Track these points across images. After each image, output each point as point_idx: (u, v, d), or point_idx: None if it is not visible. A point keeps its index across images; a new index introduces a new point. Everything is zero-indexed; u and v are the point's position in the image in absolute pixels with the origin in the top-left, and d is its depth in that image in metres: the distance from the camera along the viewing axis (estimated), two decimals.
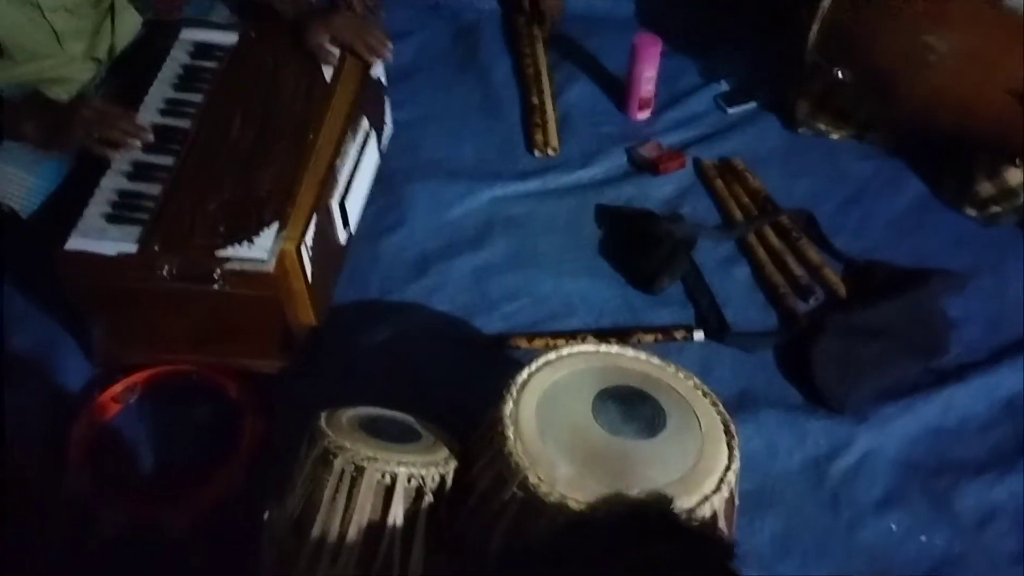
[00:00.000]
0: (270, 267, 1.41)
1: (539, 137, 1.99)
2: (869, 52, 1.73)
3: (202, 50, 1.75)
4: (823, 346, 1.57)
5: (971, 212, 1.83)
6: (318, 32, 1.71)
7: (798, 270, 1.73)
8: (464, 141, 2.01)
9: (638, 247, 1.75)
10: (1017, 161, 1.72)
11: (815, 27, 1.77)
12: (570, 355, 1.29)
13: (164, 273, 1.41)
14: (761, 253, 1.77)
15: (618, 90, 2.08)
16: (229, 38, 1.77)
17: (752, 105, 2.06)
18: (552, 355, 1.28)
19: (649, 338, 1.63)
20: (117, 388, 1.52)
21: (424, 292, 1.73)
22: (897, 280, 1.68)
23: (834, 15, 1.76)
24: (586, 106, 2.09)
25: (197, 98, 1.65)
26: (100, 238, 1.44)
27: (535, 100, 2.07)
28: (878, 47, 1.71)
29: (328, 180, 1.58)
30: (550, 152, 1.98)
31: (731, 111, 2.05)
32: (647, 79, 1.98)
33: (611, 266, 1.78)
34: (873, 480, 1.46)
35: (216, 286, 1.42)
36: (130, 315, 1.52)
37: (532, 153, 1.99)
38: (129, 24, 1.85)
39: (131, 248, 1.42)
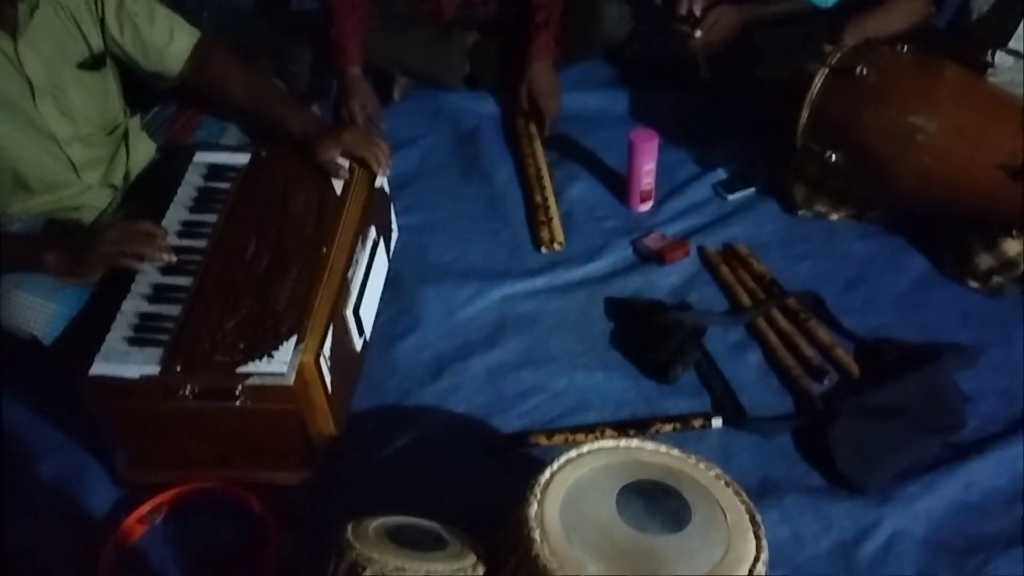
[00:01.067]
0: (290, 380, 1.44)
1: (545, 234, 2.04)
2: (859, 135, 1.78)
3: (215, 172, 1.81)
4: (841, 428, 1.58)
5: (974, 285, 1.85)
6: (328, 148, 1.76)
7: (809, 352, 1.75)
8: (471, 242, 2.06)
9: (649, 338, 1.77)
10: (1014, 232, 1.75)
11: (805, 113, 1.82)
12: (591, 452, 1.30)
13: (186, 393, 1.44)
14: (772, 337, 1.79)
15: (619, 184, 2.13)
16: (241, 159, 1.82)
17: (751, 191, 2.11)
18: (573, 452, 1.29)
19: (668, 428, 1.64)
20: (143, 510, 1.53)
21: (440, 394, 1.75)
22: (908, 357, 1.69)
23: (823, 101, 1.82)
24: (589, 202, 2.14)
25: (212, 218, 1.70)
26: (123, 362, 1.46)
27: (538, 199, 2.12)
28: (867, 130, 1.77)
29: (342, 291, 1.61)
30: (556, 247, 2.02)
31: (731, 198, 2.10)
32: (646, 172, 2.04)
33: (624, 358, 1.80)
34: (902, 562, 1.44)
35: (238, 402, 1.44)
36: (154, 436, 1.53)
37: (539, 250, 2.03)
38: (143, 150, 1.92)
39: (153, 370, 1.45)
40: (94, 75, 1.77)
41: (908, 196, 1.82)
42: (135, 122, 1.92)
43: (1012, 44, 1.86)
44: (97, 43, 1.76)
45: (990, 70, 1.89)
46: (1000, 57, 1.88)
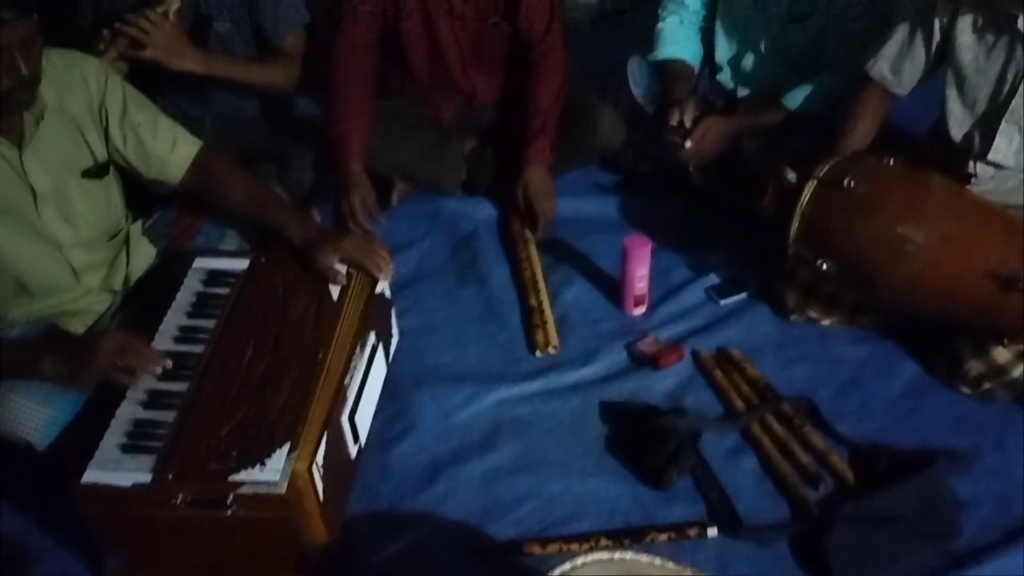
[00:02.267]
0: (282, 489, 1.44)
1: (540, 337, 2.05)
2: (848, 244, 1.81)
3: (214, 277, 1.83)
4: (838, 537, 1.57)
5: (965, 390, 1.86)
6: (327, 254, 1.78)
7: (805, 458, 1.74)
8: (468, 345, 2.07)
9: (645, 443, 1.77)
10: (1005, 341, 1.77)
11: (796, 223, 1.86)
12: (585, 564, 1.29)
13: (178, 502, 1.43)
14: (767, 442, 1.79)
15: (613, 288, 2.16)
16: (240, 264, 1.84)
17: (743, 296, 2.13)
18: (567, 566, 1.28)
19: (663, 537, 1.63)
20: None
21: (435, 499, 1.74)
22: (903, 463, 1.69)
23: (812, 209, 1.85)
24: (583, 305, 2.16)
25: (210, 324, 1.72)
26: (115, 469, 1.47)
27: (533, 302, 2.14)
28: (857, 239, 1.79)
29: (338, 397, 1.62)
30: (551, 351, 2.04)
31: (724, 303, 2.12)
32: (640, 277, 2.07)
33: (619, 463, 1.79)
34: None
35: (229, 512, 1.43)
36: (147, 543, 1.52)
37: (534, 353, 2.04)
38: (144, 255, 1.94)
39: (146, 478, 1.45)
40: (97, 183, 1.81)
41: (899, 303, 1.85)
42: (136, 227, 1.95)
43: (991, 156, 1.91)
44: (101, 152, 1.81)
45: (973, 180, 1.94)
46: (982, 168, 1.93)
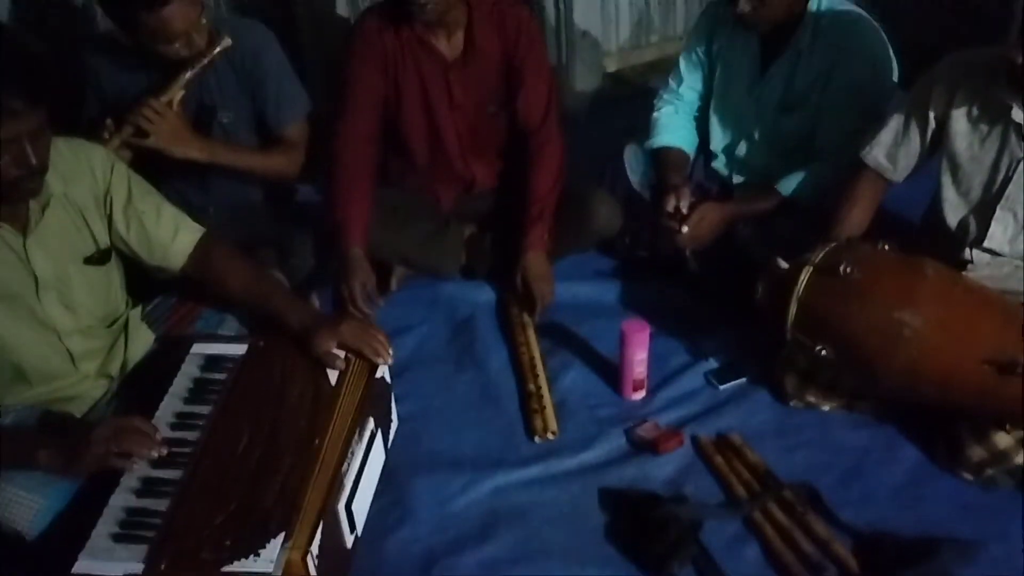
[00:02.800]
0: None
1: (538, 423, 2.04)
2: (846, 330, 1.81)
3: (212, 363, 1.82)
4: None
5: (968, 477, 1.84)
6: (325, 339, 1.79)
7: (808, 547, 1.71)
8: (465, 431, 2.06)
9: (645, 532, 1.74)
10: (1006, 427, 1.76)
11: (793, 309, 1.86)
12: None
13: None
14: (769, 530, 1.77)
15: (611, 373, 2.16)
16: (238, 350, 1.84)
17: (742, 381, 2.13)
18: None
19: None
20: None
21: None
22: (907, 552, 1.67)
23: (809, 296, 1.86)
24: (582, 390, 2.16)
25: (206, 410, 1.71)
26: (107, 559, 1.44)
27: (532, 387, 2.14)
28: (855, 325, 1.80)
29: (335, 485, 1.60)
30: (550, 436, 2.02)
31: (723, 388, 2.12)
32: (639, 362, 2.07)
33: (619, 552, 1.76)
34: None
35: None
36: None
37: (532, 439, 2.03)
38: (142, 341, 1.94)
39: (137, 568, 1.43)
40: (99, 270, 1.82)
41: (898, 389, 1.84)
42: (136, 313, 1.95)
43: (987, 244, 1.93)
44: (103, 239, 1.82)
45: (969, 267, 1.95)
46: (978, 255, 1.95)
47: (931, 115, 1.93)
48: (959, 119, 1.89)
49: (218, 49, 2.16)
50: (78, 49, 2.37)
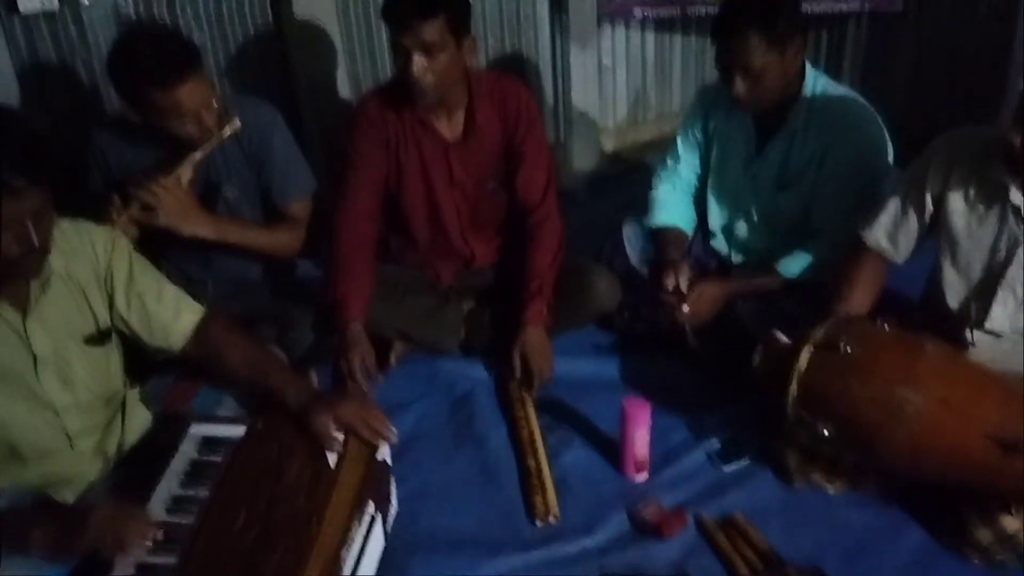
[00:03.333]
0: None
1: (539, 504, 2.01)
2: (847, 407, 1.80)
3: (209, 444, 1.81)
4: None
5: (975, 558, 1.81)
6: (324, 419, 1.77)
7: None
8: (464, 512, 2.02)
9: None
10: (1013, 510, 1.73)
11: (793, 386, 1.85)
12: None
13: None
14: None
15: (612, 450, 2.13)
16: (236, 431, 1.82)
17: (745, 460, 2.10)
18: None
19: None
20: None
21: None
22: None
23: (810, 373, 1.85)
24: (583, 468, 2.13)
25: (203, 493, 1.68)
26: None
27: (531, 463, 2.11)
28: (856, 402, 1.78)
29: (332, 570, 1.56)
30: (551, 520, 1.98)
31: (726, 467, 2.09)
32: (640, 440, 2.04)
33: None
34: None
35: None
36: None
37: (533, 522, 1.99)
38: (139, 420, 1.93)
39: None
40: (98, 349, 1.81)
41: (901, 467, 1.82)
42: (133, 393, 1.94)
43: (988, 325, 1.93)
44: (104, 318, 1.82)
45: (971, 347, 1.95)
46: (979, 336, 1.94)
47: (928, 195, 1.95)
48: (956, 199, 1.91)
49: (228, 132, 2.20)
50: (85, 127, 2.41)
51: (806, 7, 3.40)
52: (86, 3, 2.72)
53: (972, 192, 1.89)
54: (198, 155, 2.19)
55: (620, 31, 3.80)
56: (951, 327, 1.97)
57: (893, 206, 2.01)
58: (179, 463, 1.77)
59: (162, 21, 2.84)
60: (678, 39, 3.91)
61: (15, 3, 2.57)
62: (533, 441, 2.17)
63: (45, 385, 1.73)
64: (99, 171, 2.33)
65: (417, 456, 2.18)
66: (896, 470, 1.86)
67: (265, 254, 2.43)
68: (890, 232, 2.03)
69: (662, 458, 2.13)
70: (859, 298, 2.05)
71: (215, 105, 2.17)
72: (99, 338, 1.81)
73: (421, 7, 2.15)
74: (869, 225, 2.05)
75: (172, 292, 1.89)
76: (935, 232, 1.99)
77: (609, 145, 3.95)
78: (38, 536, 1.54)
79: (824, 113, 2.22)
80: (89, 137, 2.33)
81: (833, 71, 3.49)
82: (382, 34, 3.14)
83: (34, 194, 1.53)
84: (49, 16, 2.67)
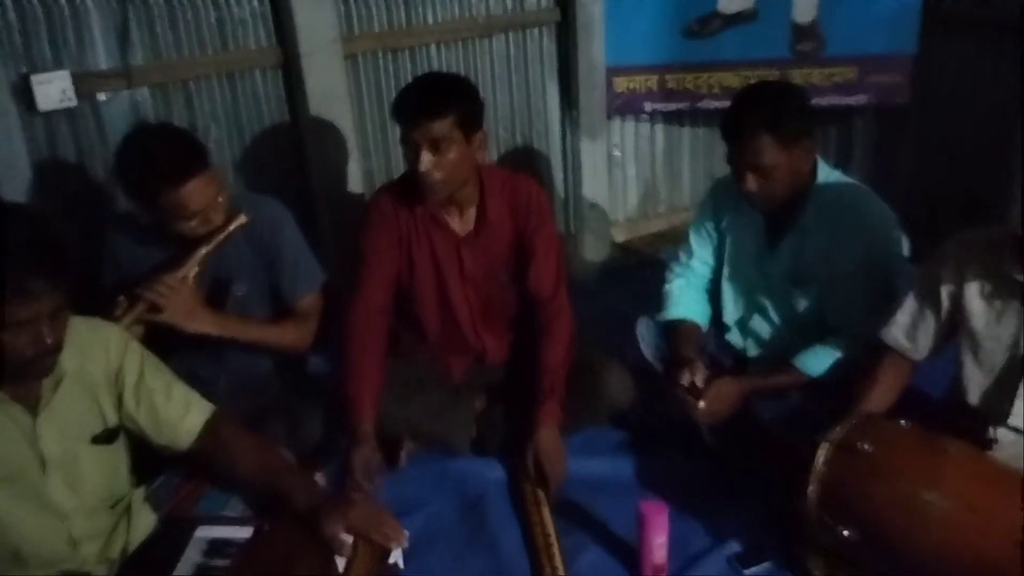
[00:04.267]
0: None
1: None
2: (871, 511, 1.75)
3: (215, 548, 1.77)
4: None
5: None
6: (333, 522, 1.73)
7: None
8: None
9: None
10: None
11: (812, 486, 1.81)
12: None
13: None
14: None
15: (629, 555, 2.07)
16: (243, 533, 1.79)
17: (767, 565, 2.04)
18: None
19: None
20: None
21: None
22: None
23: (830, 474, 1.81)
24: (599, 575, 2.06)
25: None
26: None
27: (548, 571, 2.05)
28: (879, 506, 1.74)
29: None
30: None
31: (747, 572, 2.03)
32: (659, 545, 1.98)
33: None
34: None
35: None
36: None
37: None
38: (144, 523, 1.88)
39: None
40: (106, 448, 1.79)
41: (927, 570, 1.76)
42: (139, 494, 1.90)
43: (1011, 421, 1.89)
44: (112, 417, 1.80)
45: (994, 445, 1.91)
46: (1002, 433, 1.90)
47: (943, 296, 1.94)
48: (973, 299, 1.89)
49: (234, 226, 2.20)
50: (101, 223, 2.42)
51: (814, 101, 3.45)
52: (103, 99, 2.77)
53: (988, 290, 1.87)
54: (204, 251, 2.19)
55: (630, 124, 3.85)
56: (973, 425, 1.93)
57: (910, 306, 2.00)
58: (184, 568, 1.73)
59: (180, 117, 2.88)
60: (687, 132, 3.97)
61: (34, 102, 2.61)
62: (549, 547, 2.11)
63: (51, 488, 1.70)
64: (112, 268, 2.34)
65: (428, 560, 2.12)
66: (922, 574, 1.80)
67: (274, 350, 2.41)
68: (908, 331, 2.01)
69: (681, 563, 2.06)
70: (879, 398, 2.01)
71: (222, 203, 2.18)
72: (107, 437, 1.79)
73: (431, 105, 2.18)
74: (887, 324, 2.03)
75: (182, 391, 1.88)
76: (956, 329, 1.96)
77: (620, 237, 3.97)
78: None
79: (833, 209, 2.23)
80: (103, 234, 2.35)
81: (842, 164, 3.52)
82: (395, 131, 3.18)
83: (51, 297, 1.54)
84: (68, 112, 2.72)
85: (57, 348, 1.61)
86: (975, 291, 1.89)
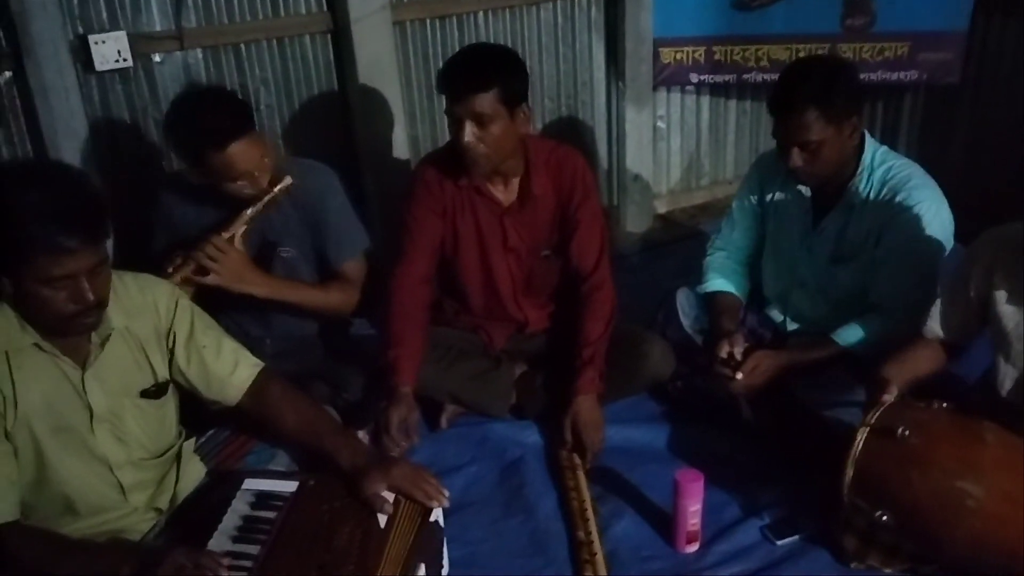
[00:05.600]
0: None
1: (589, 575, 1.98)
2: (907, 497, 1.75)
3: (262, 500, 1.80)
4: None
5: None
6: (375, 481, 1.77)
7: None
8: None
9: None
10: None
11: (849, 471, 1.81)
12: None
13: None
14: None
15: (664, 522, 2.10)
16: (288, 487, 1.82)
17: (800, 537, 2.05)
18: None
19: None
20: None
21: None
22: None
23: (866, 459, 1.81)
24: (634, 540, 2.09)
25: (255, 550, 1.68)
26: None
27: (582, 535, 2.08)
28: (915, 492, 1.74)
29: None
30: None
31: (779, 543, 2.05)
32: (692, 513, 2.01)
33: None
34: None
35: None
36: None
37: None
38: (193, 474, 1.94)
39: None
40: (153, 403, 1.84)
41: (962, 558, 1.76)
42: (189, 445, 1.96)
43: None
44: (163, 373, 1.85)
45: None
46: None
47: (971, 294, 1.94)
48: (1001, 299, 1.89)
49: (279, 187, 2.24)
50: (154, 183, 2.47)
51: (863, 77, 3.41)
52: (157, 60, 2.82)
53: (1017, 288, 1.86)
54: (250, 212, 2.23)
55: (675, 96, 3.83)
56: (1009, 411, 1.91)
57: (944, 297, 2.00)
58: (232, 519, 1.76)
59: (231, 80, 2.92)
60: (733, 105, 3.94)
61: (91, 62, 2.67)
62: (584, 512, 2.14)
63: (100, 440, 1.75)
64: (164, 229, 2.40)
65: (466, 522, 2.16)
66: (958, 561, 1.80)
67: (319, 312, 2.45)
68: (943, 321, 2.01)
69: (714, 531, 2.09)
70: (917, 360, 2.01)
71: (267, 164, 2.22)
72: (155, 392, 1.83)
73: (474, 80, 2.19)
74: (928, 318, 2.03)
75: (231, 347, 1.92)
76: (985, 325, 1.96)
77: (662, 209, 3.97)
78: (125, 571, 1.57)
79: (882, 189, 2.21)
80: (156, 195, 2.40)
81: (889, 142, 3.47)
82: (441, 99, 3.19)
83: (88, 253, 1.57)
84: (123, 73, 2.77)
85: (100, 304, 1.64)
86: (1003, 291, 1.88)
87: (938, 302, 2.01)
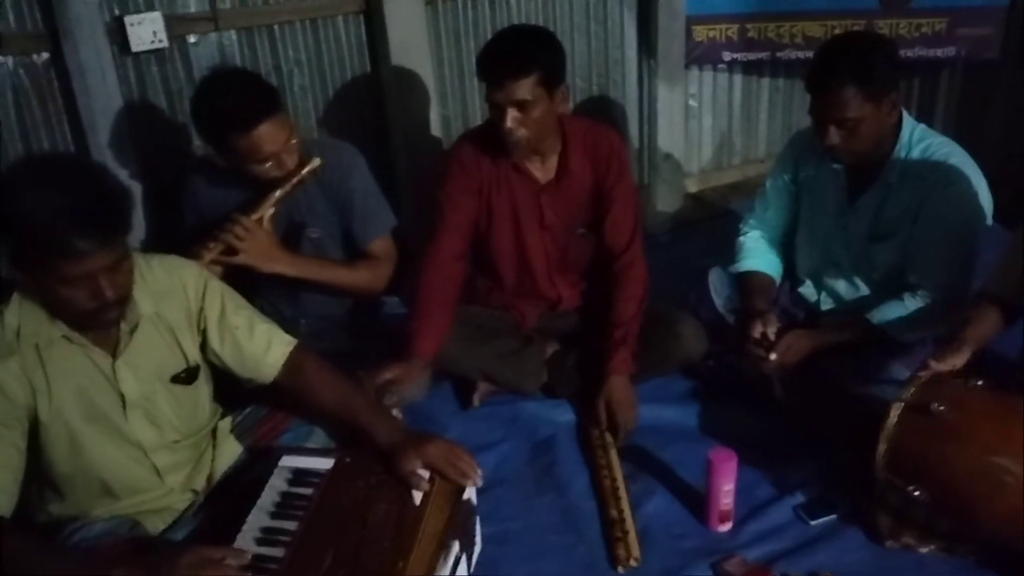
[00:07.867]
0: None
1: (621, 551, 1.99)
2: (942, 473, 1.75)
3: (299, 477, 1.82)
4: None
5: None
6: (410, 458, 1.78)
7: None
8: (545, 558, 2.01)
9: None
10: None
11: (883, 447, 1.81)
12: None
13: None
14: None
15: (696, 501, 2.10)
16: (325, 464, 1.83)
17: (833, 517, 2.05)
18: None
19: None
20: None
21: None
22: None
23: (900, 435, 1.80)
24: (666, 519, 2.10)
25: (292, 526, 1.70)
26: None
27: (614, 513, 2.09)
28: (951, 469, 1.73)
29: None
30: (632, 563, 1.96)
31: (813, 523, 2.04)
32: (726, 492, 2.01)
33: None
34: None
35: None
36: None
37: (615, 569, 1.97)
38: (229, 453, 1.96)
39: None
40: (186, 388, 1.85)
41: (1000, 536, 1.76)
42: (225, 424, 1.98)
43: None
44: (194, 356, 1.86)
45: None
46: None
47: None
48: None
49: (307, 169, 2.25)
50: (179, 167, 2.49)
51: (900, 53, 3.36)
52: (192, 41, 2.83)
53: None
54: (278, 193, 2.24)
55: (708, 74, 3.80)
56: None
57: (1005, 256, 1.97)
58: (269, 495, 1.78)
59: (264, 62, 2.94)
60: (766, 83, 3.90)
61: (127, 43, 2.69)
62: (616, 490, 2.15)
63: (133, 425, 1.77)
64: (192, 211, 2.42)
65: (498, 499, 2.18)
66: (996, 539, 1.80)
67: (348, 291, 2.47)
68: (997, 277, 1.98)
69: (747, 512, 2.09)
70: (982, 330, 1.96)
71: (294, 145, 2.22)
72: (187, 377, 1.85)
73: (514, 66, 2.19)
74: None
75: (264, 326, 1.92)
76: None
77: (693, 188, 3.95)
78: (119, 574, 1.53)
79: (920, 166, 2.19)
80: (184, 179, 2.42)
81: (925, 119, 3.42)
82: (473, 79, 3.20)
83: (104, 253, 1.55)
84: (159, 55, 2.79)
85: (120, 300, 1.63)
86: None
87: (994, 266, 1.98)
